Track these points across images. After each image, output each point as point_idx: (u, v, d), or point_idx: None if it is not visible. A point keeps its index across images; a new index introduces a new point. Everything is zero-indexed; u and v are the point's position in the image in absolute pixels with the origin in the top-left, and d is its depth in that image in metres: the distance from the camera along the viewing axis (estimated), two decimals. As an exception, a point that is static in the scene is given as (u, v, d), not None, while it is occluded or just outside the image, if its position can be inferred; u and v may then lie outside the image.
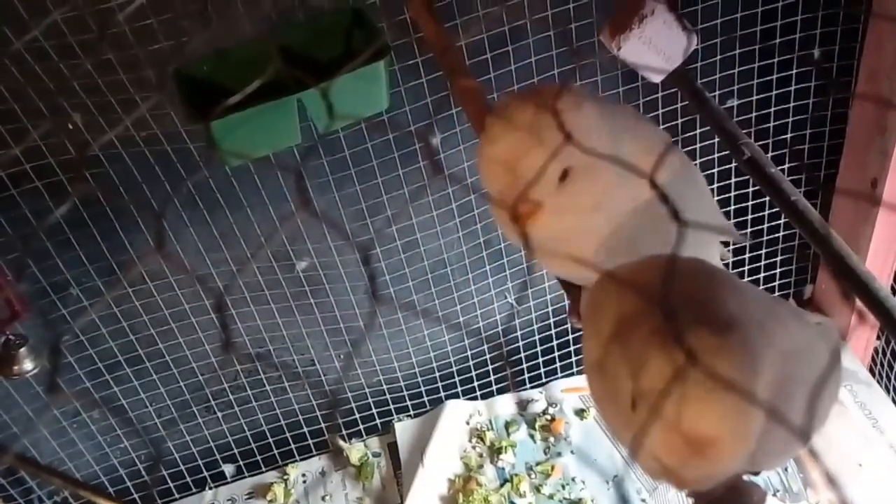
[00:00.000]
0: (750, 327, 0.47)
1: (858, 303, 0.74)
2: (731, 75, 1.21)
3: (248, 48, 0.91)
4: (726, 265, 0.89)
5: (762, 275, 1.45)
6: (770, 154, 1.23)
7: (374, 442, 1.46)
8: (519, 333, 1.44)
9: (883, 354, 1.40)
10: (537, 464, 1.37)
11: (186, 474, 1.41)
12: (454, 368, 1.45)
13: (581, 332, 0.54)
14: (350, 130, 1.11)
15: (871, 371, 1.43)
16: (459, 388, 1.46)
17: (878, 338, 1.41)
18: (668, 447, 0.45)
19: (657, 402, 0.44)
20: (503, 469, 1.38)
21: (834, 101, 1.26)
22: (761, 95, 1.24)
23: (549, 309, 1.43)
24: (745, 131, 0.87)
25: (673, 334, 0.43)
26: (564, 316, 1.43)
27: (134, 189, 1.10)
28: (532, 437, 1.41)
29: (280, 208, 1.18)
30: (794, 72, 1.22)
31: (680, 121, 1.23)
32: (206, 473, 1.42)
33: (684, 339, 0.44)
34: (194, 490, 1.43)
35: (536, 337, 1.45)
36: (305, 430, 1.43)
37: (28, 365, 1.08)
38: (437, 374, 1.45)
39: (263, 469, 1.44)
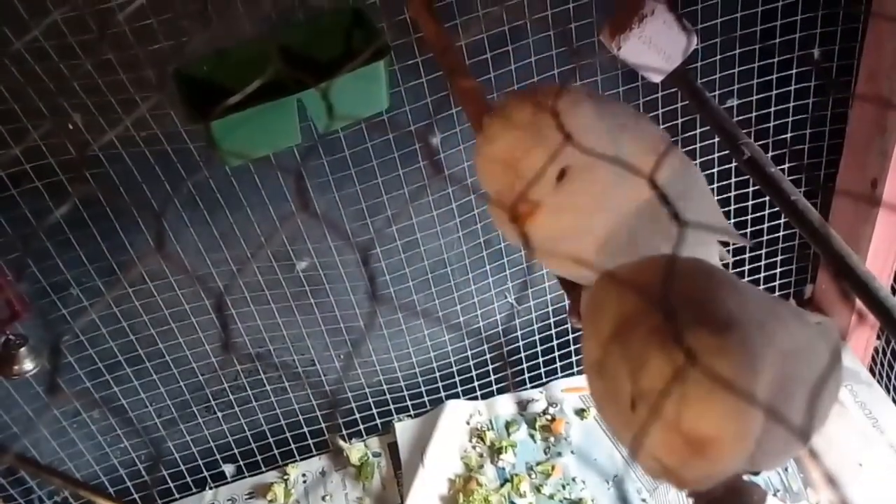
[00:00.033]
0: (749, 327, 0.47)
1: (858, 303, 0.74)
2: (730, 75, 1.21)
3: (248, 48, 0.91)
4: (726, 265, 0.89)
5: (762, 275, 1.45)
6: (770, 154, 1.23)
7: (375, 442, 1.46)
8: (519, 333, 1.44)
9: (883, 354, 1.40)
10: (537, 464, 1.37)
11: (186, 474, 1.41)
12: (454, 368, 1.45)
13: (581, 332, 0.54)
14: (350, 130, 1.11)
15: (872, 371, 1.43)
16: (460, 388, 1.47)
17: (879, 337, 1.41)
18: (667, 447, 0.45)
19: (657, 402, 0.44)
20: (503, 469, 1.38)
21: (834, 100, 1.26)
22: (761, 95, 1.24)
23: (550, 309, 1.43)
24: (744, 131, 0.87)
25: (673, 334, 0.43)
26: (565, 316, 1.43)
27: (134, 189, 1.10)
28: (532, 436, 1.41)
29: (280, 208, 1.18)
30: (794, 71, 1.22)
31: (680, 120, 1.23)
32: (206, 473, 1.42)
33: (684, 339, 0.44)
34: (194, 490, 1.43)
35: (537, 337, 1.45)
36: (306, 430, 1.43)
37: (28, 365, 1.08)
38: (438, 374, 1.45)
39: (263, 469, 1.44)
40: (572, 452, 1.38)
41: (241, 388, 1.37)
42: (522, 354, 1.46)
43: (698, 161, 1.26)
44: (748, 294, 0.53)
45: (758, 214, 1.36)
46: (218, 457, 1.43)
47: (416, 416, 1.47)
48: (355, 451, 1.43)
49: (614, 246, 0.66)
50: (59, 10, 0.88)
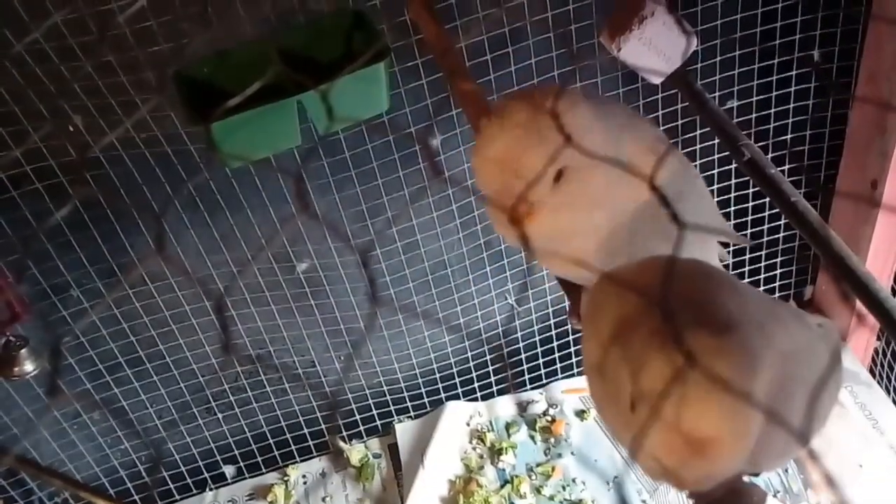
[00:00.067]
0: (749, 328, 0.47)
1: (858, 304, 0.74)
2: (730, 76, 1.21)
3: (248, 50, 0.91)
4: (725, 266, 0.89)
5: (762, 276, 1.45)
6: (770, 155, 1.23)
7: (375, 443, 1.46)
8: (519, 334, 1.44)
9: (883, 355, 1.40)
10: (538, 465, 1.37)
11: (187, 475, 1.41)
12: (455, 369, 1.45)
13: (581, 334, 0.54)
14: (350, 132, 1.11)
15: (872, 372, 1.43)
16: (460, 389, 1.47)
17: (879, 338, 1.41)
18: (667, 448, 0.45)
19: (657, 403, 0.44)
20: (504, 470, 1.38)
21: (834, 102, 1.26)
22: (761, 97, 1.24)
23: (550, 310, 1.43)
24: (744, 132, 0.87)
25: (672, 335, 0.43)
26: (565, 317, 1.43)
27: (134, 191, 1.10)
28: (532, 438, 1.41)
29: (280, 210, 1.18)
30: (794, 73, 1.22)
31: (680, 122, 1.23)
32: (206, 475, 1.42)
33: (683, 341, 0.44)
34: (195, 491, 1.43)
35: (537, 338, 1.45)
36: (306, 431, 1.43)
37: (28, 366, 1.08)
38: (438, 375, 1.45)
39: (264, 470, 1.44)
40: (572, 454, 1.38)
41: (241, 390, 1.37)
42: (523, 355, 1.46)
43: (698, 162, 1.26)
44: (748, 295, 0.53)
45: (758, 216, 1.36)
46: (218, 458, 1.43)
47: (417, 417, 1.47)
48: (355, 452, 1.43)
49: (614, 246, 0.66)
50: (60, 12, 0.88)
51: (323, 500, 1.39)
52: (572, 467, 1.37)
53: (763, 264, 1.43)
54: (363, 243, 1.25)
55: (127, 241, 1.15)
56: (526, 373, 1.47)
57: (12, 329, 1.06)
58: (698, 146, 1.25)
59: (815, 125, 1.29)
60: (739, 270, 1.42)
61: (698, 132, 1.24)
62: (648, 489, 1.33)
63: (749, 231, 1.37)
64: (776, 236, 1.39)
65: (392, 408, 1.46)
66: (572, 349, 1.46)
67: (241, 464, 1.43)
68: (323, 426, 1.43)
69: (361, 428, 1.45)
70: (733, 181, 1.31)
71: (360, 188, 1.18)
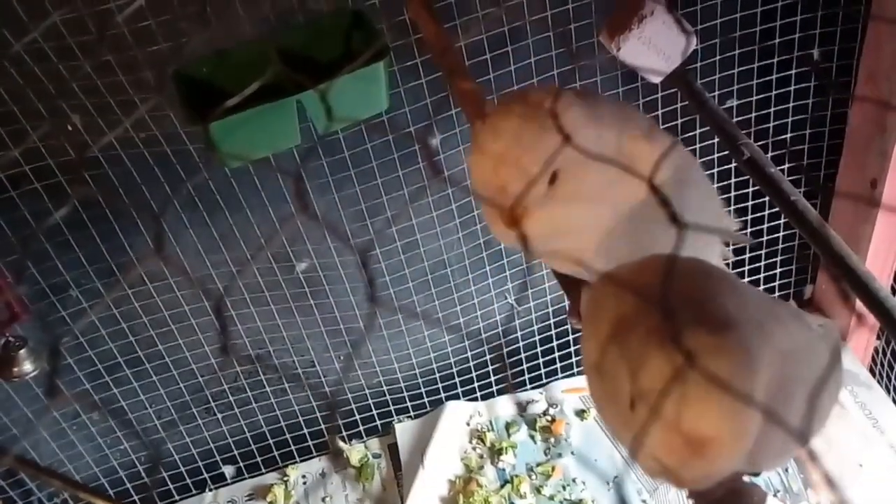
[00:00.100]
0: (748, 327, 0.47)
1: (858, 303, 0.74)
2: (730, 76, 1.21)
3: (247, 49, 0.91)
4: (727, 264, 0.89)
5: (762, 275, 1.45)
6: (769, 154, 1.23)
7: (375, 443, 1.46)
8: (519, 334, 1.44)
9: (883, 355, 1.40)
10: (538, 465, 1.37)
11: (186, 476, 1.41)
12: (454, 369, 1.45)
13: (581, 333, 0.54)
14: (350, 131, 1.11)
15: (872, 371, 1.43)
16: (460, 389, 1.46)
17: (879, 338, 1.41)
18: (666, 447, 0.45)
19: (656, 402, 0.44)
20: (504, 470, 1.38)
21: (833, 101, 1.26)
22: (761, 96, 1.24)
23: (550, 309, 1.43)
24: (744, 132, 0.87)
25: (671, 334, 0.43)
26: (565, 316, 1.43)
27: (133, 191, 1.10)
28: (532, 437, 1.41)
29: (280, 209, 1.18)
30: (794, 72, 1.22)
31: (679, 121, 1.23)
32: (206, 475, 1.42)
33: (682, 339, 0.44)
34: (194, 491, 1.43)
35: (537, 338, 1.45)
36: (305, 431, 1.43)
37: (28, 367, 1.08)
38: (438, 375, 1.45)
39: (263, 470, 1.44)
40: (572, 453, 1.38)
41: (240, 390, 1.37)
42: (522, 355, 1.45)
43: (698, 161, 1.26)
44: (747, 295, 0.53)
45: (757, 215, 1.36)
46: (218, 458, 1.43)
47: (416, 417, 1.47)
48: (355, 452, 1.43)
49: (613, 245, 0.66)
50: (59, 12, 0.88)
51: (323, 500, 1.39)
52: (572, 467, 1.37)
53: (763, 263, 1.43)
54: (362, 243, 1.25)
55: (126, 240, 1.15)
56: (526, 372, 1.47)
57: (11, 329, 1.06)
58: (698, 145, 1.25)
59: (815, 124, 1.28)
60: (739, 269, 1.42)
61: (698, 131, 1.24)
62: (648, 489, 1.33)
63: (749, 230, 1.37)
64: (776, 235, 1.39)
65: (392, 408, 1.46)
66: (572, 349, 1.46)
67: (241, 464, 1.43)
68: (322, 426, 1.43)
69: (361, 428, 1.45)
70: (733, 180, 1.31)
71: (359, 188, 1.18)
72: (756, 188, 1.30)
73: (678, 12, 0.99)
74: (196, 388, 1.34)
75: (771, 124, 1.27)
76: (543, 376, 1.48)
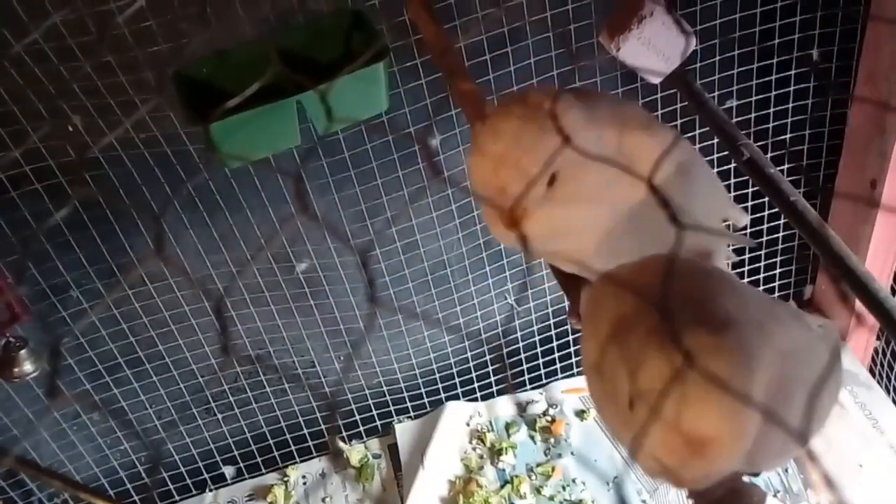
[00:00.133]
0: (748, 327, 0.47)
1: (858, 303, 0.74)
2: (730, 76, 1.21)
3: (247, 50, 0.91)
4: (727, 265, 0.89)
5: (762, 275, 1.45)
6: (769, 155, 1.23)
7: (375, 443, 1.46)
8: (519, 334, 1.44)
9: (883, 355, 1.40)
10: (538, 465, 1.37)
11: (186, 476, 1.41)
12: (454, 370, 1.45)
13: (581, 334, 0.54)
14: (350, 132, 1.11)
15: (871, 372, 1.43)
16: (460, 390, 1.46)
17: (878, 338, 1.41)
18: (666, 446, 0.45)
19: (655, 403, 0.44)
20: (503, 470, 1.38)
21: (833, 101, 1.26)
22: (760, 96, 1.24)
23: (550, 310, 1.43)
24: (744, 132, 0.87)
25: (670, 334, 0.43)
26: (564, 317, 1.43)
27: (134, 191, 1.10)
28: (532, 438, 1.41)
29: (280, 210, 1.18)
30: (793, 73, 1.22)
31: (679, 122, 1.23)
32: (206, 475, 1.42)
33: (681, 339, 0.44)
34: (194, 492, 1.43)
35: (536, 338, 1.45)
36: (305, 431, 1.43)
37: (28, 367, 1.08)
38: (438, 376, 1.45)
39: (264, 471, 1.44)
40: (572, 454, 1.38)
41: (240, 390, 1.37)
42: (522, 356, 1.46)
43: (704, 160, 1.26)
44: (747, 295, 0.53)
45: (757, 215, 1.36)
46: (218, 458, 1.43)
47: (416, 417, 1.47)
48: (355, 452, 1.43)
49: (613, 246, 0.66)
50: (59, 13, 0.88)
51: (323, 500, 1.39)
52: (572, 467, 1.37)
53: (763, 264, 1.43)
54: (362, 243, 1.25)
55: (126, 241, 1.15)
56: (526, 373, 1.47)
57: (12, 330, 1.06)
58: (697, 146, 1.25)
59: (815, 125, 1.29)
60: (739, 270, 1.42)
61: (697, 132, 1.24)
62: (648, 489, 1.33)
63: (748, 231, 1.37)
64: (776, 236, 1.39)
65: (392, 408, 1.46)
66: (572, 349, 1.46)
67: (241, 464, 1.43)
68: (323, 426, 1.43)
69: (361, 428, 1.45)
70: (733, 181, 1.31)
71: (359, 188, 1.18)
72: (756, 189, 1.30)
73: (677, 13, 0.99)
74: (196, 389, 1.34)
75: (770, 125, 1.27)
76: (543, 377, 1.48)
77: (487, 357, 1.45)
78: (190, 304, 1.24)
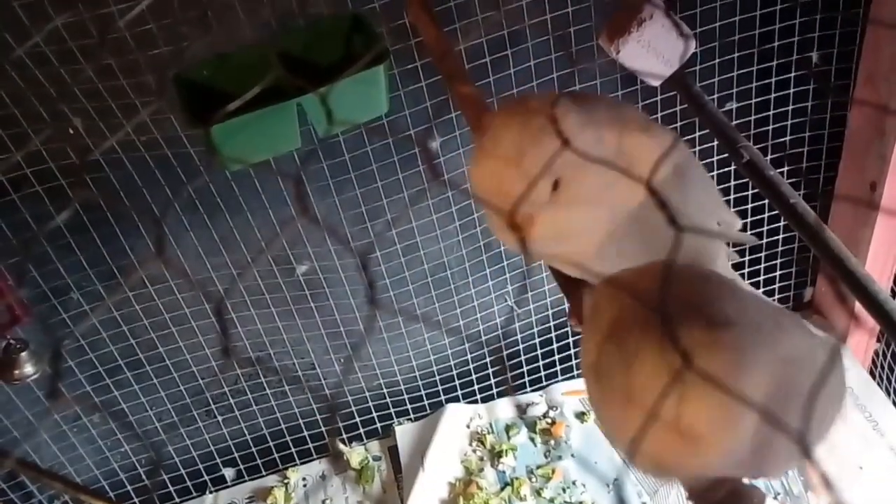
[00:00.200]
0: (746, 328, 0.47)
1: (858, 306, 0.74)
2: (729, 78, 1.21)
3: (248, 53, 0.92)
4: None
5: (762, 277, 1.45)
6: (769, 157, 1.23)
7: (375, 445, 1.46)
8: (519, 336, 1.44)
9: (883, 357, 1.40)
10: (538, 467, 1.37)
11: (187, 478, 1.41)
12: (454, 372, 1.45)
13: (581, 336, 0.54)
14: (350, 134, 1.11)
15: (872, 374, 1.43)
16: (460, 392, 1.47)
17: (878, 340, 1.41)
18: (661, 444, 0.45)
19: (652, 402, 0.44)
20: (504, 472, 1.38)
21: (833, 104, 1.26)
22: (760, 98, 1.24)
23: (549, 312, 1.43)
24: (743, 134, 0.87)
25: (668, 335, 0.44)
26: (564, 319, 1.43)
27: (134, 194, 1.10)
28: (532, 440, 1.42)
29: (280, 212, 1.18)
30: (793, 75, 1.22)
31: (679, 124, 1.23)
32: (206, 477, 1.42)
33: (679, 340, 0.44)
34: (195, 494, 1.43)
35: (536, 340, 1.45)
36: (306, 433, 1.43)
37: (29, 369, 1.08)
38: (438, 378, 1.45)
39: (264, 473, 1.44)
40: (572, 456, 1.38)
41: (241, 392, 1.37)
42: (522, 358, 1.46)
43: (699, 162, 1.26)
44: (747, 299, 0.53)
45: (757, 217, 1.36)
46: (218, 461, 1.43)
47: (417, 419, 1.47)
48: (355, 454, 1.43)
49: (615, 248, 0.66)
50: (61, 16, 0.88)
51: (323, 502, 1.39)
52: (572, 469, 1.37)
53: (762, 266, 1.43)
54: (363, 246, 1.25)
55: (127, 243, 1.16)
56: (526, 375, 1.47)
57: (12, 332, 1.07)
58: (697, 148, 1.25)
59: (814, 127, 1.29)
60: (739, 272, 1.42)
61: (697, 134, 1.25)
62: (648, 491, 1.33)
63: (748, 232, 1.37)
64: (775, 238, 1.39)
65: (392, 410, 1.46)
66: (572, 351, 1.46)
67: (241, 466, 1.43)
68: (323, 428, 1.43)
69: (361, 430, 1.45)
70: (732, 183, 1.31)
71: (359, 191, 1.18)
72: (755, 191, 1.30)
73: (677, 16, 0.99)
74: (197, 391, 1.34)
75: (770, 127, 1.27)
76: (543, 378, 1.48)
77: (487, 359, 1.45)
78: (190, 307, 1.24)
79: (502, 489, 1.35)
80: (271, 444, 1.42)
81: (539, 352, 1.46)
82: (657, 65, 0.94)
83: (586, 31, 1.10)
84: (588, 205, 0.64)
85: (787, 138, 1.29)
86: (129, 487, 1.40)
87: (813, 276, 1.48)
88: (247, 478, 1.44)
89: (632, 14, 0.91)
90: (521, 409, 1.46)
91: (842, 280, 0.73)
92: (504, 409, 1.46)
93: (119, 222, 1.13)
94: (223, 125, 0.84)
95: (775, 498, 1.29)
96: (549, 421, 1.43)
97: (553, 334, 1.45)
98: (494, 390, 1.48)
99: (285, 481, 1.42)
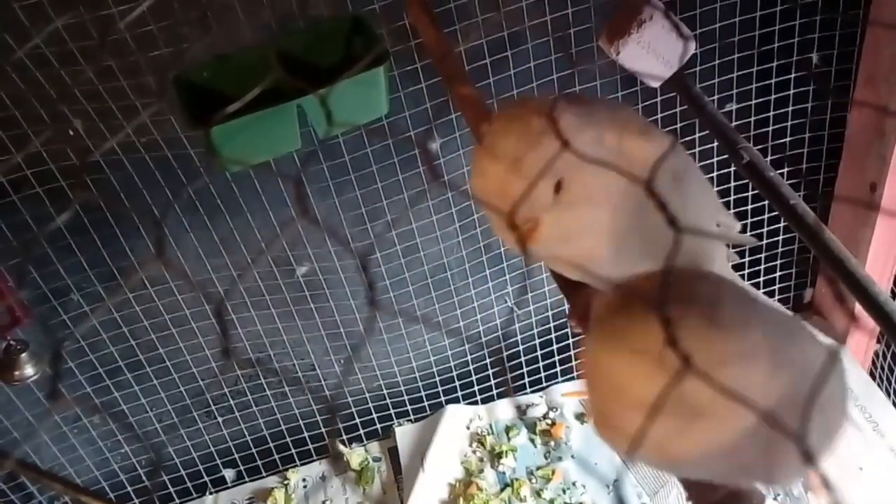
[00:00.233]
0: (746, 329, 0.47)
1: (858, 307, 0.74)
2: (729, 80, 1.21)
3: (248, 54, 0.92)
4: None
5: (762, 278, 1.45)
6: (769, 158, 1.23)
7: (375, 446, 1.46)
8: (519, 338, 1.44)
9: (883, 358, 1.40)
10: (538, 468, 1.37)
11: (187, 479, 1.41)
12: (454, 373, 1.45)
13: (581, 336, 0.55)
14: (350, 136, 1.11)
15: (872, 375, 1.43)
16: (460, 393, 1.47)
17: (878, 341, 1.41)
18: (661, 444, 0.45)
19: (652, 403, 0.44)
20: (504, 473, 1.38)
21: (832, 105, 1.26)
22: (760, 100, 1.24)
23: (550, 313, 1.43)
24: (743, 135, 0.87)
25: (667, 337, 0.44)
26: (564, 320, 1.43)
27: (134, 195, 1.10)
28: (532, 441, 1.42)
29: (280, 213, 1.18)
30: (793, 76, 1.22)
31: (679, 125, 1.23)
32: (206, 478, 1.42)
33: (677, 340, 0.44)
34: (195, 495, 1.43)
35: (536, 341, 1.45)
36: (306, 434, 1.43)
37: (29, 370, 1.08)
38: (438, 379, 1.45)
39: (264, 474, 1.44)
40: (572, 457, 1.38)
41: (241, 393, 1.37)
42: (522, 359, 1.46)
43: (697, 165, 1.26)
44: (748, 301, 0.53)
45: (757, 219, 1.36)
46: (218, 462, 1.43)
47: (417, 420, 1.47)
48: (355, 455, 1.43)
49: (619, 249, 0.67)
50: (61, 18, 0.89)
51: (323, 503, 1.39)
52: (572, 471, 1.37)
53: (762, 267, 1.43)
54: (363, 247, 1.25)
55: (127, 244, 1.16)
56: (526, 376, 1.47)
57: (13, 333, 1.07)
58: (697, 149, 1.26)
59: (814, 128, 1.29)
60: (739, 273, 1.42)
61: (697, 135, 1.25)
62: (648, 492, 1.33)
63: (748, 233, 1.37)
64: (775, 239, 1.39)
65: (392, 411, 1.46)
66: (572, 352, 1.46)
67: (242, 467, 1.43)
68: (323, 430, 1.43)
69: (361, 431, 1.45)
70: (732, 184, 1.31)
71: (359, 192, 1.18)
72: (755, 192, 1.30)
73: (677, 17, 0.99)
74: (197, 392, 1.34)
75: (770, 128, 1.27)
76: (543, 380, 1.48)
77: (487, 360, 1.45)
78: (190, 308, 1.24)
79: (502, 490, 1.35)
80: (271, 444, 1.42)
81: (539, 353, 1.46)
82: (657, 66, 0.94)
83: (586, 32, 1.10)
84: (591, 205, 0.64)
85: (787, 139, 1.29)
86: (129, 488, 1.40)
87: (813, 277, 1.48)
88: (247, 479, 1.44)
89: (632, 15, 0.91)
90: (521, 410, 1.46)
91: (842, 281, 0.73)
92: (504, 410, 1.46)
93: (119, 223, 1.13)
94: (223, 126, 0.84)
95: (775, 499, 1.29)
96: (549, 422, 1.43)
97: (553, 335, 1.45)
98: (494, 391, 1.48)
99: (285, 482, 1.42)
